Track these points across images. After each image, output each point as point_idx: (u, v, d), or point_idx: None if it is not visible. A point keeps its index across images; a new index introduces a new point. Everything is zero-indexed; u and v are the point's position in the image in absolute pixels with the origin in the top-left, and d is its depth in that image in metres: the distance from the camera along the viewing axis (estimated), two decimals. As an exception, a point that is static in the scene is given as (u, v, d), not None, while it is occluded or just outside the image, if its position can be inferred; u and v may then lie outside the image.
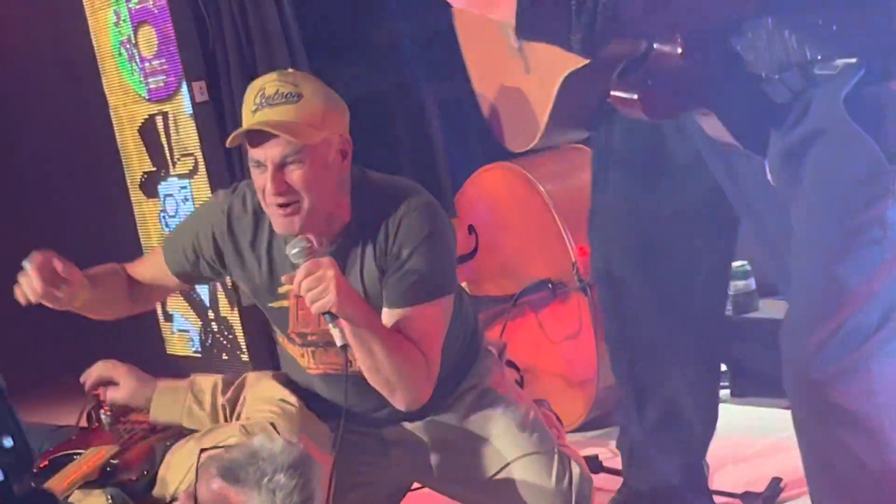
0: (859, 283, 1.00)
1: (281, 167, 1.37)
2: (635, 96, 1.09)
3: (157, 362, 2.44)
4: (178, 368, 2.54)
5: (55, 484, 1.52)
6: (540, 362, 2.16)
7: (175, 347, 2.97)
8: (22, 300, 1.42)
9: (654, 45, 1.06)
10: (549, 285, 2.11)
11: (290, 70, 1.91)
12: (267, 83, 1.41)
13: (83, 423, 1.71)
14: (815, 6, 1.00)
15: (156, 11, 2.65)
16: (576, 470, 1.49)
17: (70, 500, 1.50)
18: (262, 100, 1.40)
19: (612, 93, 1.11)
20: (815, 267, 1.06)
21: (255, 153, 1.39)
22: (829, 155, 1.04)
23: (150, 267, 1.64)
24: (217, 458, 1.29)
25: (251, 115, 1.41)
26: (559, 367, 2.17)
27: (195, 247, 1.55)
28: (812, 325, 1.05)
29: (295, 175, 1.37)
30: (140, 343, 2.81)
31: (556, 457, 1.50)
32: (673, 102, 1.13)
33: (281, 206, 1.38)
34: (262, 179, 1.38)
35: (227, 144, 1.51)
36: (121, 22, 2.79)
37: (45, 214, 3.40)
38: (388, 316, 1.42)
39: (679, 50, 1.04)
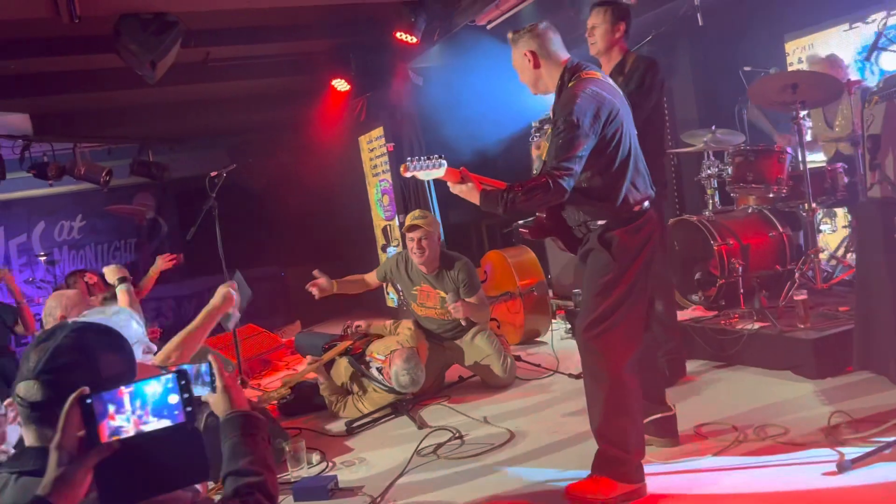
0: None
1: (420, 240, 4.70)
2: (528, 230, 3.81)
3: (383, 308, 6.53)
4: (390, 311, 6.60)
5: (328, 355, 4.91)
6: (505, 318, 5.74)
7: (390, 303, 7.08)
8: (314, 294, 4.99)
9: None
10: (510, 293, 5.69)
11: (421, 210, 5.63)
12: (413, 213, 4.89)
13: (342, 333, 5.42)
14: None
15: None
16: (509, 359, 4.78)
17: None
18: (414, 217, 4.73)
19: (520, 229, 4.12)
20: (586, 295, 2.90)
21: (410, 232, 4.66)
22: (593, 256, 2.81)
23: (371, 276, 5.26)
24: (402, 352, 4.37)
25: (412, 219, 4.67)
26: (511, 321, 5.73)
27: (387, 270, 5.11)
28: (581, 317, 2.88)
29: (424, 242, 4.71)
30: (376, 302, 6.95)
31: (503, 354, 4.70)
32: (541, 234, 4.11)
33: (421, 252, 4.69)
34: (414, 243, 4.65)
35: (404, 228, 5.08)
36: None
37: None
38: (475, 298, 4.64)
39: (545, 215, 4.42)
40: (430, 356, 4.58)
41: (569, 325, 5.77)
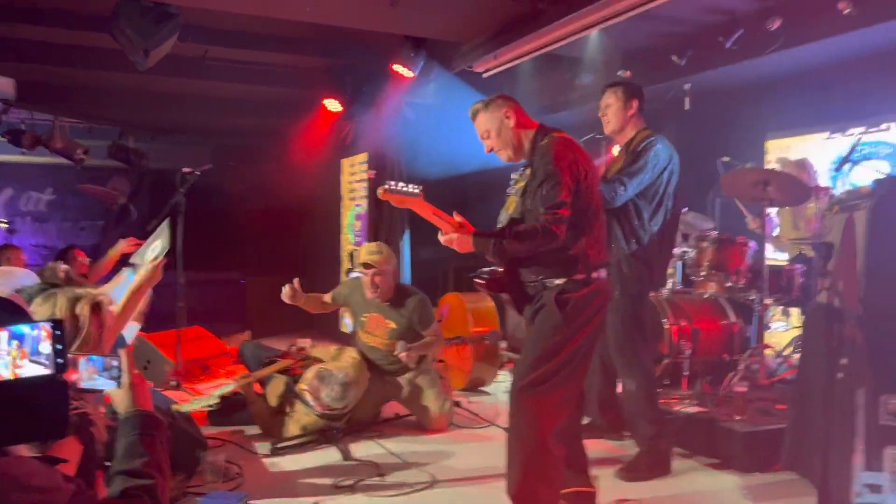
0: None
1: (374, 277, 4.62)
2: (483, 281, 3.31)
3: (335, 332, 6.47)
4: (343, 337, 6.54)
5: (265, 371, 4.95)
6: (453, 363, 5.71)
7: (344, 328, 7.01)
8: (285, 300, 5.11)
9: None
10: (462, 338, 5.67)
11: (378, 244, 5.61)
12: (370, 247, 4.85)
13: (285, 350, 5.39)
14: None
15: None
16: (448, 403, 4.69)
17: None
18: (370, 252, 4.71)
19: (476, 280, 4.34)
20: (529, 354, 2.87)
21: (366, 269, 4.56)
22: (543, 314, 2.86)
23: (328, 297, 5.21)
24: (321, 372, 4.47)
25: (366, 255, 4.65)
26: (459, 366, 5.71)
27: (342, 293, 5.04)
28: (518, 375, 2.86)
29: (378, 279, 4.67)
30: (330, 326, 6.88)
31: (443, 397, 4.58)
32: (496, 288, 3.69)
33: (374, 287, 4.68)
34: (367, 279, 4.64)
35: (359, 261, 5.14)
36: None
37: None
38: (430, 331, 4.56)
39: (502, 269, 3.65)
40: (370, 388, 4.53)
41: (514, 380, 5.76)
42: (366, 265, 4.54)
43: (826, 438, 3.12)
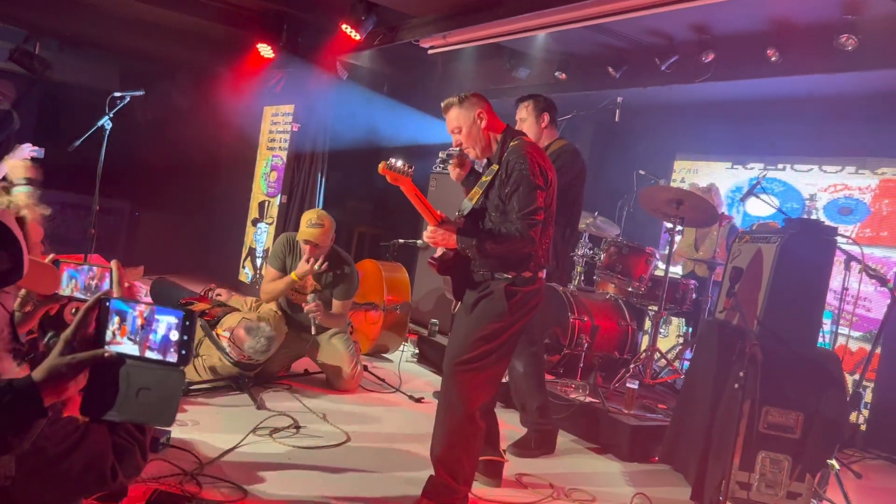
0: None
1: (313, 250, 4.54)
2: (434, 262, 3.18)
3: (235, 282, 6.41)
4: (242, 287, 6.49)
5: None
6: (360, 327, 5.84)
7: (243, 277, 6.94)
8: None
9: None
10: (374, 304, 5.81)
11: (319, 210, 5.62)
12: (310, 217, 4.77)
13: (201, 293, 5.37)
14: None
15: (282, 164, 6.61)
16: (360, 366, 4.83)
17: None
18: (310, 224, 4.66)
19: (429, 260, 3.63)
20: (470, 334, 3.00)
21: (306, 244, 4.57)
22: (490, 301, 2.98)
23: (275, 273, 5.03)
24: (249, 324, 4.52)
25: (307, 228, 4.59)
26: (366, 331, 5.85)
27: (282, 256, 4.96)
28: (455, 352, 3.03)
29: (318, 250, 4.57)
30: (229, 274, 6.79)
31: (355, 360, 4.71)
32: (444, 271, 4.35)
33: (315, 258, 4.55)
34: (308, 249, 4.50)
35: (298, 238, 5.06)
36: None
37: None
38: (337, 306, 4.72)
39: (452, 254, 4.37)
40: (286, 342, 4.59)
41: (416, 350, 5.96)
42: (307, 242, 4.54)
43: (707, 438, 3.54)
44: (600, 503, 3.44)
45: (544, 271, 3.14)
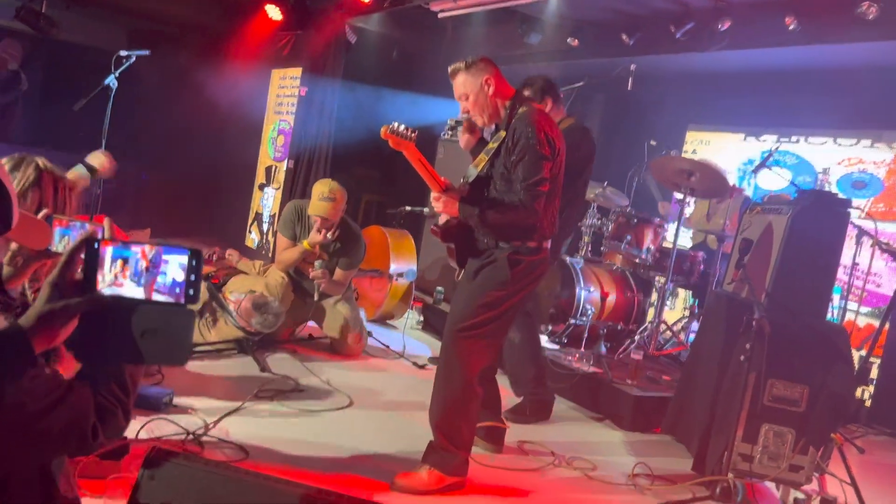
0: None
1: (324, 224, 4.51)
2: (437, 230, 3.12)
3: (242, 246, 6.39)
4: (248, 251, 6.48)
5: None
6: (365, 293, 5.83)
7: (249, 242, 6.93)
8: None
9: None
10: (380, 271, 5.79)
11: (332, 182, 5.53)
12: (321, 190, 4.73)
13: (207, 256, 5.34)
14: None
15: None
16: (365, 332, 4.83)
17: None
18: (322, 198, 4.58)
19: (432, 227, 3.74)
20: (471, 302, 2.98)
21: (320, 219, 4.57)
22: (493, 269, 2.97)
23: (287, 242, 5.20)
24: (257, 300, 4.46)
25: (319, 202, 4.53)
26: (371, 298, 5.84)
27: (292, 225, 4.95)
28: (456, 318, 3.01)
29: (329, 222, 4.56)
30: (236, 238, 6.79)
31: (361, 326, 4.75)
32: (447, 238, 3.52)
33: (327, 229, 4.54)
34: (319, 222, 4.49)
35: (309, 212, 4.94)
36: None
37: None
38: (339, 274, 4.66)
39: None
40: (291, 307, 4.58)
41: (421, 318, 5.95)
42: (318, 216, 4.49)
43: (711, 410, 3.52)
44: (601, 471, 3.44)
45: (549, 242, 3.09)
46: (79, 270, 1.24)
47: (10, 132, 9.14)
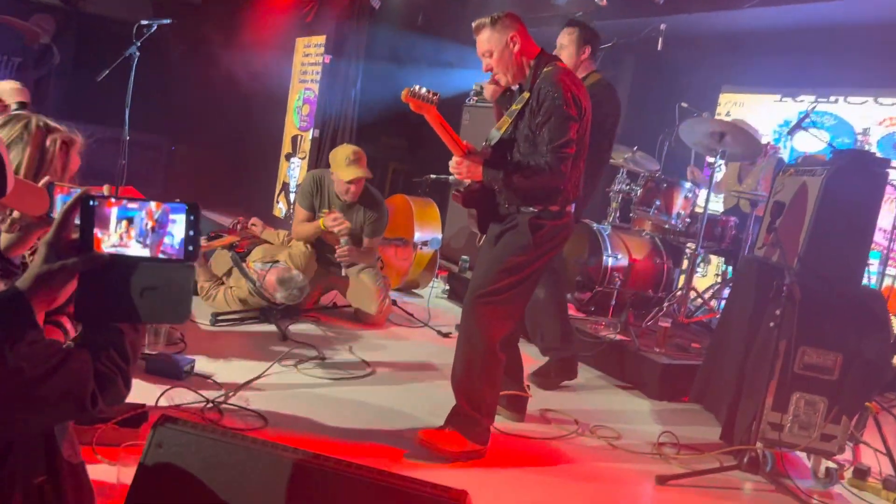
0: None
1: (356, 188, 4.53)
2: (459, 194, 3.08)
3: (269, 217, 6.40)
4: (275, 221, 6.48)
5: (212, 244, 4.95)
6: (390, 262, 5.80)
7: (277, 212, 6.93)
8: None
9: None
10: (405, 240, 5.75)
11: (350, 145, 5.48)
12: (346, 153, 4.66)
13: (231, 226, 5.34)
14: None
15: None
16: (388, 301, 4.77)
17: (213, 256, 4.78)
18: (350, 162, 4.60)
19: (454, 192, 3.28)
20: (492, 267, 2.93)
21: (351, 184, 4.49)
22: (514, 233, 2.91)
23: (306, 214, 5.19)
24: (282, 275, 4.32)
25: (348, 166, 4.55)
26: (396, 267, 5.81)
27: (310, 197, 4.94)
28: (477, 284, 2.97)
29: (354, 188, 4.53)
30: (263, 209, 6.79)
31: (384, 294, 4.70)
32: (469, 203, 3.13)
33: (350, 194, 4.55)
34: (343, 186, 4.51)
35: (345, 179, 4.68)
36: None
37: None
38: (366, 242, 4.65)
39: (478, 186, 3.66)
40: (315, 277, 4.57)
41: (447, 287, 5.91)
42: (352, 181, 4.46)
43: (740, 378, 3.43)
44: (626, 440, 3.39)
45: (573, 206, 3.01)
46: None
47: (45, 106, 9.25)
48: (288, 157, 7.95)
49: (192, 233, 1.21)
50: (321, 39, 7.48)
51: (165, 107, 8.67)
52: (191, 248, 1.22)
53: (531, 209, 2.91)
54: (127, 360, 1.51)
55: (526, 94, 2.90)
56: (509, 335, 3.07)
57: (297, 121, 7.84)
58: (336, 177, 4.51)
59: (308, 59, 7.78)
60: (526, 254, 2.88)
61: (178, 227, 1.21)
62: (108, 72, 4.93)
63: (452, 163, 2.87)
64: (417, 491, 1.60)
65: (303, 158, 7.62)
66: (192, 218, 1.21)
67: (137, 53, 4.94)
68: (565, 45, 3.92)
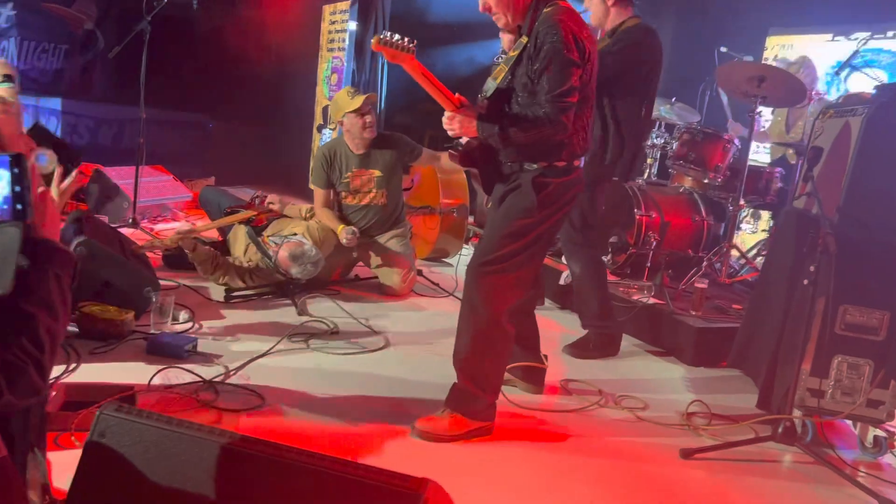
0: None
1: (368, 115, 4.37)
2: (456, 153, 2.78)
3: (302, 188, 6.29)
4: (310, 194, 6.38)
5: (228, 219, 4.75)
6: (418, 231, 5.64)
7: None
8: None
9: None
10: (430, 207, 5.57)
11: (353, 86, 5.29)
12: (345, 90, 4.54)
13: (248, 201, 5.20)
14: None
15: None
16: (413, 272, 4.59)
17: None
18: (351, 94, 4.41)
19: (450, 151, 2.80)
20: (495, 232, 2.71)
21: (362, 116, 4.34)
22: (517, 195, 2.67)
23: (324, 194, 4.68)
24: (294, 251, 4.13)
25: (352, 99, 4.38)
26: (424, 236, 5.65)
27: (326, 173, 4.69)
28: (480, 252, 2.77)
29: (370, 118, 4.37)
30: (299, 181, 6.68)
31: (410, 265, 4.60)
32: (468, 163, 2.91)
33: (369, 129, 4.36)
34: (360, 122, 4.35)
35: (351, 111, 4.42)
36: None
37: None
38: (423, 159, 4.57)
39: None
40: (335, 253, 4.45)
41: (478, 254, 5.72)
42: (365, 110, 4.34)
43: (778, 340, 3.15)
44: (653, 411, 3.17)
45: (581, 160, 2.77)
46: None
47: (92, 91, 9.36)
48: (320, 128, 7.83)
49: (17, 188, 1.07)
50: (346, 5, 7.29)
51: (201, 85, 8.66)
52: (19, 206, 1.07)
53: (535, 166, 2.68)
54: (41, 347, 1.38)
55: (524, 39, 2.66)
56: (519, 304, 2.86)
57: (327, 90, 7.70)
58: (347, 120, 4.39)
59: (335, 25, 7.61)
60: (531, 216, 2.66)
61: (0, 184, 1.05)
62: (119, 49, 4.87)
63: (444, 118, 2.65)
64: (372, 480, 1.50)
65: (333, 129, 7.48)
66: (16, 171, 1.06)
67: (149, 28, 4.86)
68: None
